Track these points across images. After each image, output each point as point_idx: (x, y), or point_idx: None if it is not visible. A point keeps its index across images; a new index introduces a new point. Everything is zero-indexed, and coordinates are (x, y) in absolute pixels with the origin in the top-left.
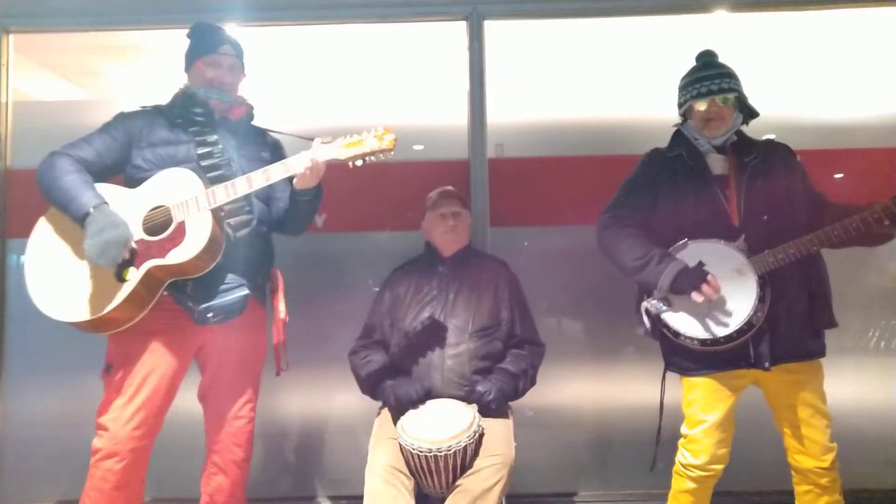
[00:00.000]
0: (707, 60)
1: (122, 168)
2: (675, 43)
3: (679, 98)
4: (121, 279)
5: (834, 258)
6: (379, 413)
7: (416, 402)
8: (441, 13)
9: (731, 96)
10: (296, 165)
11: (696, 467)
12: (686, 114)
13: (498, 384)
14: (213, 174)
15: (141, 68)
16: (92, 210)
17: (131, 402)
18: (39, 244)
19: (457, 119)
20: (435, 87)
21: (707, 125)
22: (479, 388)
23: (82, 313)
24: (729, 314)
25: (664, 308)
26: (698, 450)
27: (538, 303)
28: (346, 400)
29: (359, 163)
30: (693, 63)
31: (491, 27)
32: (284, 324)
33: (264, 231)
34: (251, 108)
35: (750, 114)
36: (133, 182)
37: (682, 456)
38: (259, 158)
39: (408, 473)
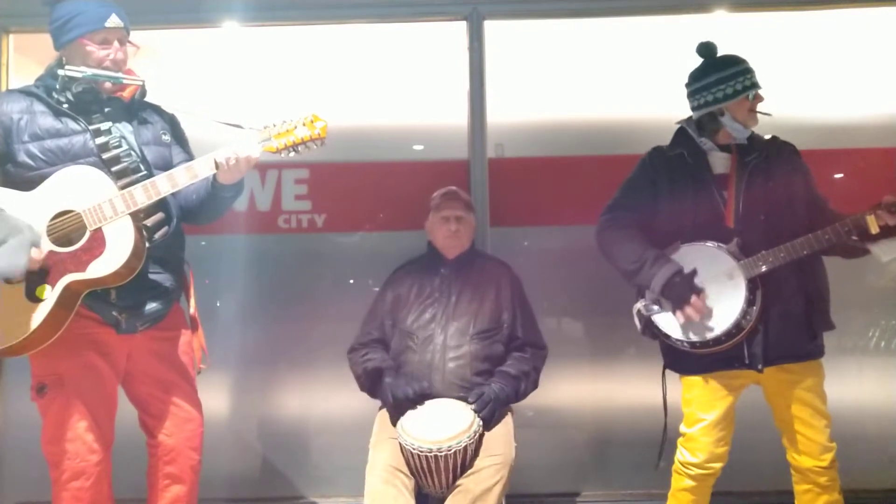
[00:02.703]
0: (730, 55)
1: None
2: (675, 43)
3: (718, 89)
4: (34, 299)
5: (834, 258)
6: (379, 413)
7: (412, 401)
8: (441, 13)
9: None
10: (224, 159)
11: (695, 465)
12: (729, 105)
13: (494, 391)
14: (116, 168)
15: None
16: None
17: (82, 419)
18: None
19: (457, 119)
20: (435, 87)
21: (753, 115)
22: (470, 399)
23: None
24: (716, 318)
25: (655, 310)
26: (696, 448)
27: (538, 303)
28: (346, 400)
29: (291, 153)
30: (694, 64)
31: (491, 27)
32: (198, 320)
33: (181, 228)
34: (144, 82)
35: None
36: (19, 183)
37: (681, 454)
38: (160, 142)
39: (408, 473)
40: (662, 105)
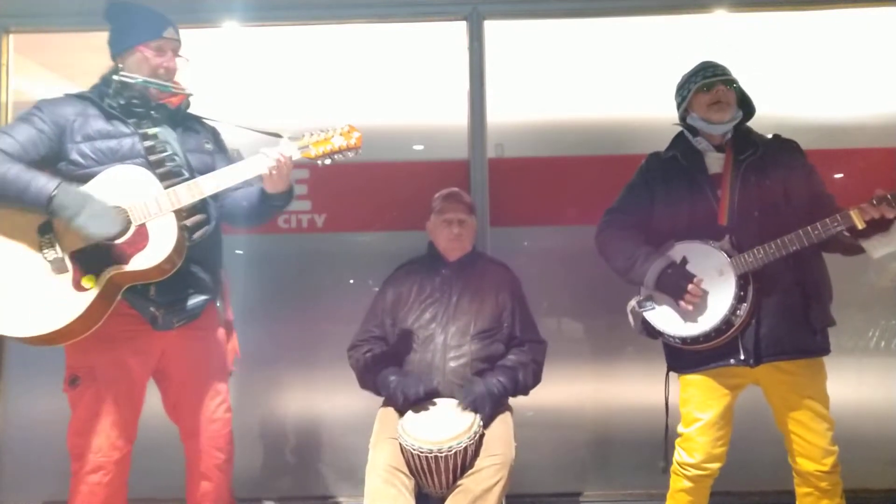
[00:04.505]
0: (704, 60)
1: (50, 164)
2: (675, 43)
3: (679, 94)
4: (80, 288)
5: (834, 257)
6: (379, 412)
7: (421, 400)
8: (441, 13)
9: (734, 80)
10: (264, 163)
11: (692, 466)
12: (688, 109)
13: (482, 391)
14: (161, 170)
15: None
16: (55, 191)
17: (109, 414)
18: None
19: (457, 119)
20: (435, 87)
21: (716, 108)
22: (467, 404)
23: (35, 327)
24: (707, 313)
25: (648, 306)
26: (693, 448)
27: (538, 303)
28: (346, 400)
29: (328, 161)
30: (694, 64)
31: (491, 27)
32: (233, 322)
33: (218, 230)
34: (189, 95)
35: (748, 112)
36: (70, 180)
37: (679, 455)
38: (203, 150)
39: (408, 473)
40: (662, 105)
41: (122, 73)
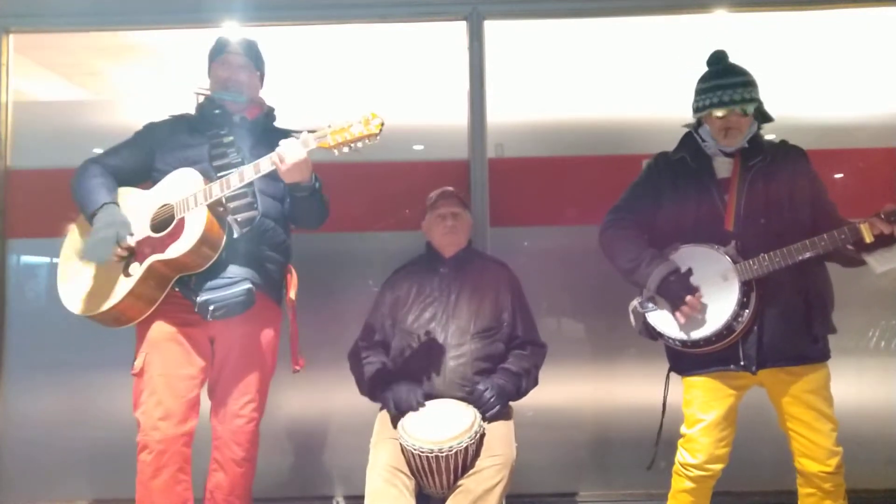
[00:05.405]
0: (727, 65)
1: (148, 173)
2: (675, 43)
3: (696, 101)
4: (127, 275)
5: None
6: (379, 413)
7: (416, 409)
8: (441, 13)
9: (751, 106)
10: (278, 156)
11: (694, 467)
12: (703, 118)
13: (498, 384)
14: (224, 174)
15: (141, 68)
16: (98, 211)
17: (153, 394)
18: (68, 246)
19: (457, 119)
20: (435, 87)
21: (726, 134)
22: (480, 387)
23: (94, 307)
24: (708, 318)
25: (650, 308)
26: (696, 449)
27: (538, 303)
28: (347, 400)
29: (345, 150)
30: (694, 64)
31: (491, 27)
32: (295, 320)
33: (271, 226)
34: (270, 108)
35: (763, 118)
36: (155, 184)
37: (681, 455)
38: None
39: (409, 473)
40: (662, 105)
41: (199, 87)
